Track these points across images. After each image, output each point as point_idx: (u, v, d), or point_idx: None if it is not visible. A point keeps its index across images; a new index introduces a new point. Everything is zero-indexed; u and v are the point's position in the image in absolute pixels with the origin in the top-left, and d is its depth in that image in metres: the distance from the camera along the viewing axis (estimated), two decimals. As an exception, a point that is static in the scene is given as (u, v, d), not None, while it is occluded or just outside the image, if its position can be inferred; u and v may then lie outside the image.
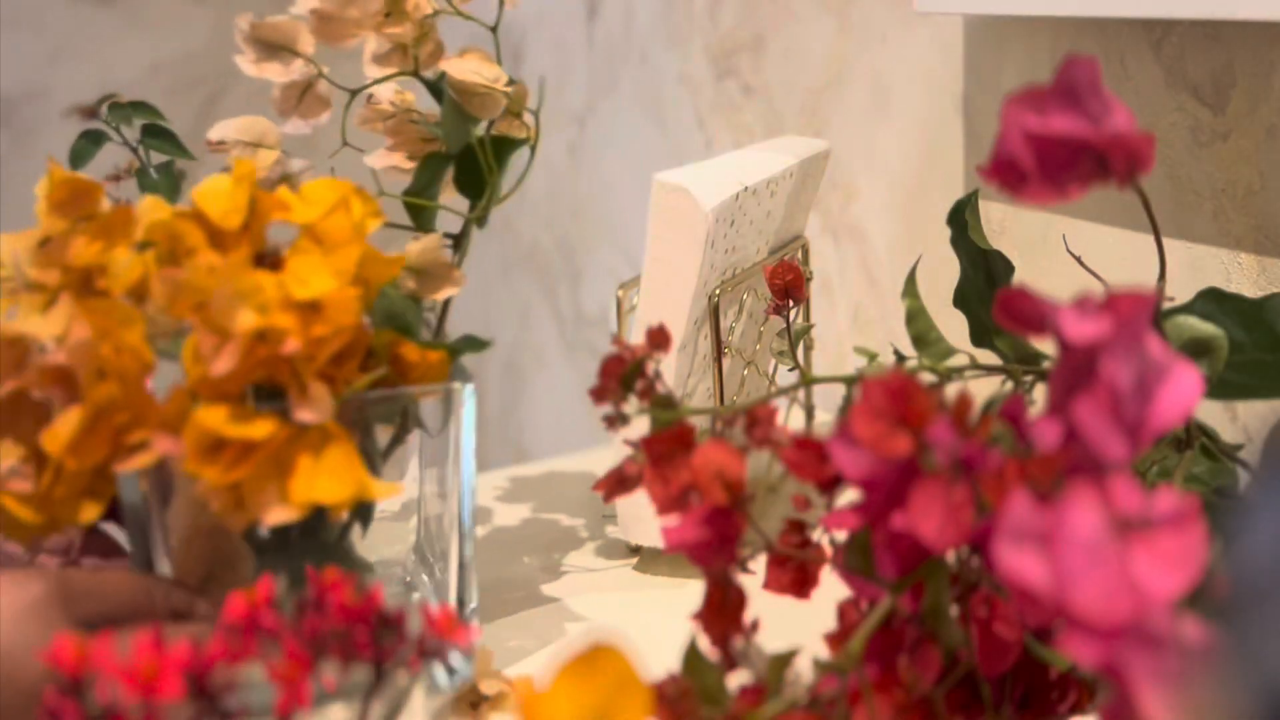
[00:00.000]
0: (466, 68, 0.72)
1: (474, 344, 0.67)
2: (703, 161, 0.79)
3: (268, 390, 0.56)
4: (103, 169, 0.69)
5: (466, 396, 0.63)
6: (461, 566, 0.65)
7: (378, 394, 0.60)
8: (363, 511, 0.62)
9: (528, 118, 0.75)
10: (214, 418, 0.54)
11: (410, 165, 0.73)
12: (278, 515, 0.54)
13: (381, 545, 0.66)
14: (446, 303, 0.71)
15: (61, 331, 0.55)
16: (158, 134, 0.72)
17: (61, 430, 0.55)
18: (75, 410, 0.55)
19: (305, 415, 0.55)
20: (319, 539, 0.62)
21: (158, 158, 0.72)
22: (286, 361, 0.55)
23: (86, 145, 0.71)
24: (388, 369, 0.60)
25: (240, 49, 0.70)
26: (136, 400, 0.55)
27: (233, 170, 0.59)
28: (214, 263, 0.55)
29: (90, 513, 0.57)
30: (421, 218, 0.73)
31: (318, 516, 0.58)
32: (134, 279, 0.57)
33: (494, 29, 0.73)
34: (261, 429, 0.54)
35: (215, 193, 0.58)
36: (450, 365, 0.63)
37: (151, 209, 0.58)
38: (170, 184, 0.71)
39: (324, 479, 0.55)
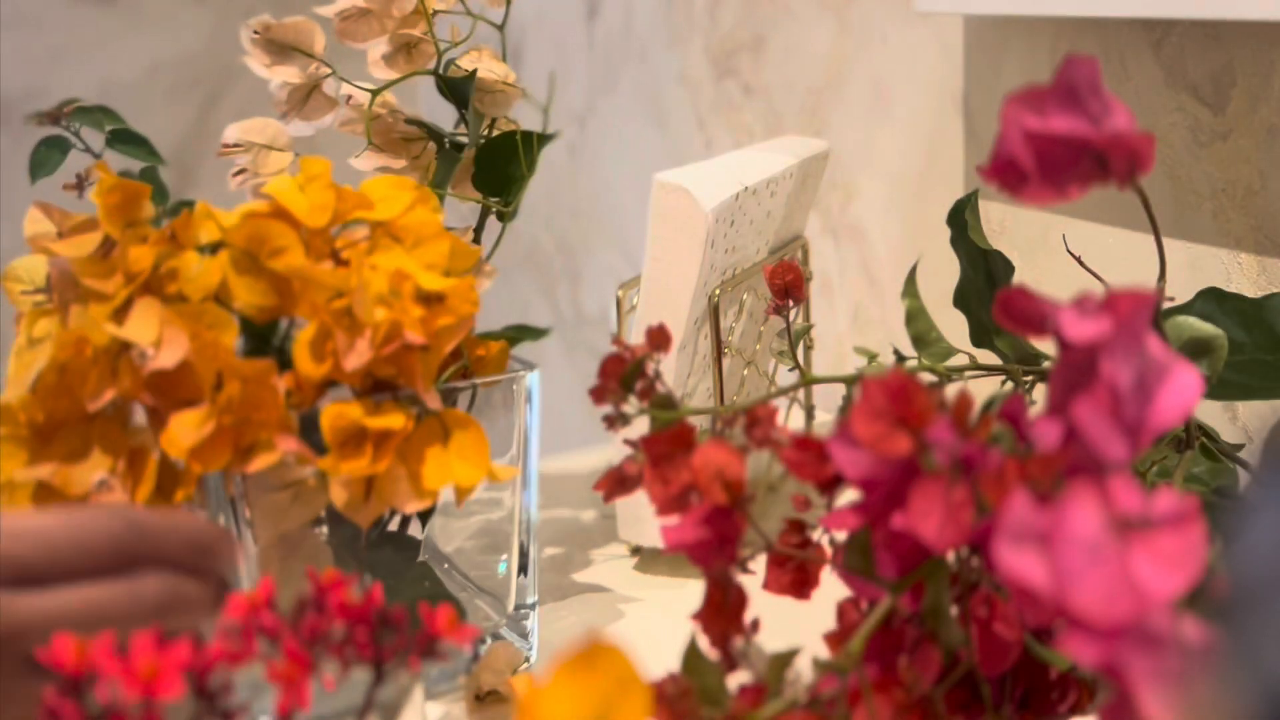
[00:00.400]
0: (480, 65, 0.72)
1: (531, 332, 0.68)
2: (703, 161, 0.78)
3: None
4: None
5: (533, 383, 0.63)
6: (526, 559, 0.65)
7: (453, 385, 0.61)
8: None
9: (516, 114, 0.75)
10: (354, 411, 0.54)
11: (399, 164, 0.72)
12: (416, 504, 0.55)
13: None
14: None
15: (157, 337, 0.54)
16: (127, 139, 0.70)
17: (185, 434, 0.53)
18: (198, 412, 0.53)
19: (435, 403, 0.56)
20: (385, 532, 0.62)
21: (124, 163, 0.70)
22: (407, 353, 0.55)
23: (50, 153, 0.69)
24: (466, 361, 0.60)
25: (245, 50, 0.69)
26: (258, 400, 0.54)
27: (303, 169, 0.59)
28: (304, 261, 0.55)
29: None
30: None
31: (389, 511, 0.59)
32: (214, 283, 0.56)
33: (500, 27, 0.73)
34: (398, 419, 0.55)
35: (293, 191, 0.57)
36: (508, 355, 0.63)
37: (208, 213, 0.58)
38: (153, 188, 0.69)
39: (458, 463, 0.56)
